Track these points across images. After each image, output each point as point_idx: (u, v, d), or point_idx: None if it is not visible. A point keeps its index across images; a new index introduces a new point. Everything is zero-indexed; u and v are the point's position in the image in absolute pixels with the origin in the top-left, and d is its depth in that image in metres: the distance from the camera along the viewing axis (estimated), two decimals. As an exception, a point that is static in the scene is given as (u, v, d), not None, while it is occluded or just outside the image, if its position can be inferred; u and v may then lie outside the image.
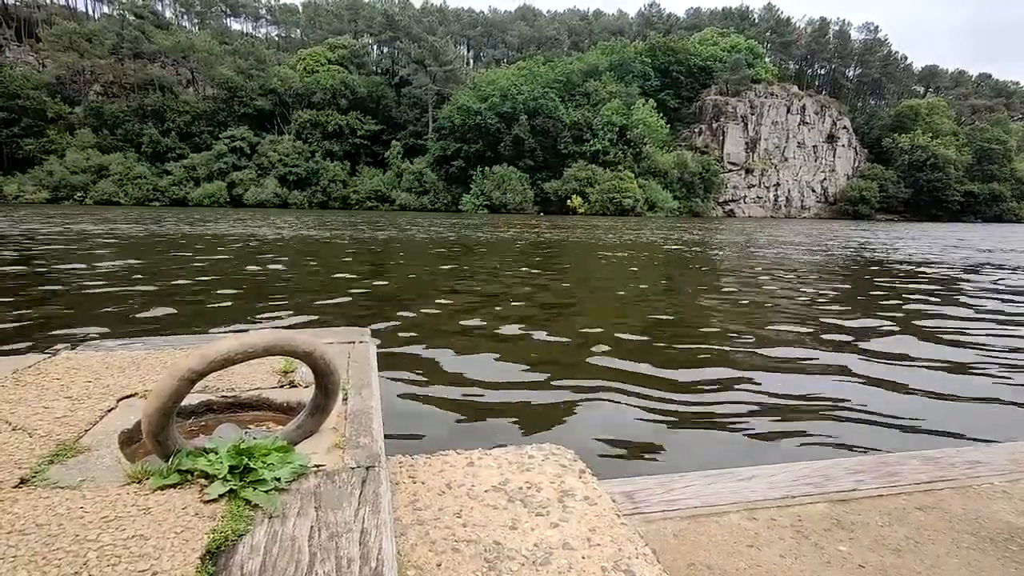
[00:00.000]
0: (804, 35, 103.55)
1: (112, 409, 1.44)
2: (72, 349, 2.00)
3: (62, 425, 1.31)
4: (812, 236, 27.58)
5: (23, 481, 1.06)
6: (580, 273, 10.53)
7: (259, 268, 9.91)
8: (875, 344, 5.26)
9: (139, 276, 8.47)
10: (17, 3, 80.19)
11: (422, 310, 6.44)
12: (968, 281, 10.37)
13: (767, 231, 32.93)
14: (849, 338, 5.50)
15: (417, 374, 4.09)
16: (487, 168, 68.32)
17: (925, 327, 6.12)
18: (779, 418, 3.41)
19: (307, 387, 1.64)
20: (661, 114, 77.45)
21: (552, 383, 3.95)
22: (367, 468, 1.17)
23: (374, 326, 5.38)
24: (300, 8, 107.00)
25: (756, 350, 4.96)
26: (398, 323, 5.71)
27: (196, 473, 1.08)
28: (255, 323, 5.59)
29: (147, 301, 6.49)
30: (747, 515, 1.71)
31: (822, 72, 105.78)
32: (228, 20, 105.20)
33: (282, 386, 1.67)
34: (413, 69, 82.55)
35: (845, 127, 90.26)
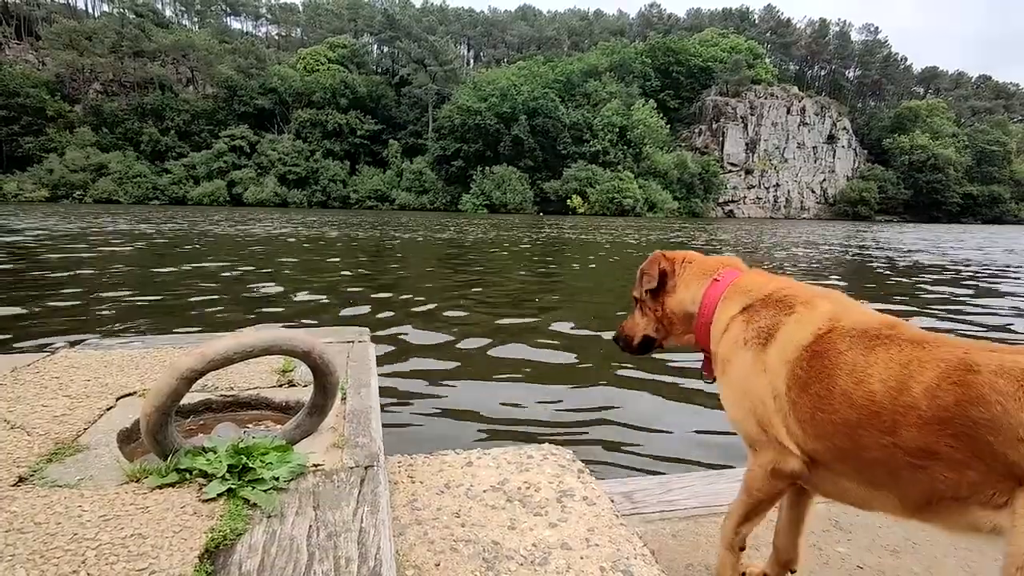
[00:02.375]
0: (804, 35, 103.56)
1: (111, 408, 1.44)
2: (71, 347, 1.99)
3: (61, 424, 1.31)
4: (833, 239, 27.55)
5: (21, 479, 1.06)
6: (584, 273, 10.53)
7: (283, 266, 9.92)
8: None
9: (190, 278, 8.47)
10: (17, 1, 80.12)
11: (422, 309, 6.45)
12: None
13: (777, 232, 32.93)
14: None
15: (416, 373, 4.09)
16: (487, 168, 68.36)
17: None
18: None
19: (306, 386, 1.64)
20: (661, 114, 77.49)
21: (551, 383, 3.95)
22: (366, 468, 1.17)
23: (373, 325, 5.38)
24: (300, 7, 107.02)
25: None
26: (397, 323, 5.71)
27: (195, 472, 1.08)
28: (254, 322, 5.59)
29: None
30: (745, 516, 1.70)
31: (822, 73, 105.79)
32: (228, 19, 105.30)
33: (281, 385, 1.67)
34: (413, 69, 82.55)
35: (845, 128, 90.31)
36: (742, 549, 1.30)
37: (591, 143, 71.08)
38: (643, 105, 76.13)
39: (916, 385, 0.90)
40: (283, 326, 5.19)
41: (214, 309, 6.18)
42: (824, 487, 1.14)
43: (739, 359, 1.19)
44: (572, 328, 5.64)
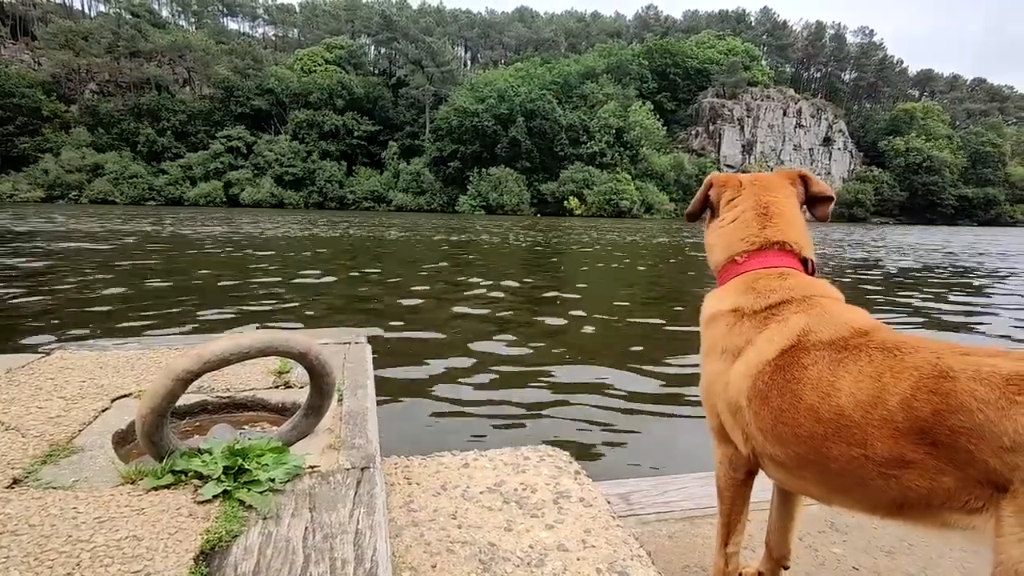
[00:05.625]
0: (800, 37, 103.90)
1: (106, 409, 1.43)
2: (66, 349, 1.99)
3: (56, 425, 1.31)
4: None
5: (16, 481, 1.06)
6: (582, 275, 10.53)
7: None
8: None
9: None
10: (13, 1, 79.80)
11: (420, 311, 6.44)
12: None
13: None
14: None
15: (413, 375, 4.08)
16: (484, 169, 68.37)
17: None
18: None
19: (302, 388, 1.64)
20: (658, 116, 77.68)
21: (549, 385, 3.95)
22: (362, 469, 1.17)
23: (370, 325, 5.37)
24: (297, 8, 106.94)
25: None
26: (394, 324, 5.70)
27: (190, 474, 1.08)
28: (254, 322, 5.58)
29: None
30: (741, 517, 1.71)
31: (818, 75, 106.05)
32: (225, 19, 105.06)
33: (277, 387, 1.67)
34: (410, 70, 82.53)
35: (841, 130, 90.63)
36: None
37: (588, 145, 71.18)
38: (640, 107, 76.31)
39: (891, 397, 0.89)
40: (279, 327, 5.18)
41: (212, 309, 6.16)
42: (784, 484, 1.15)
43: (710, 364, 1.21)
44: (571, 330, 5.64)
